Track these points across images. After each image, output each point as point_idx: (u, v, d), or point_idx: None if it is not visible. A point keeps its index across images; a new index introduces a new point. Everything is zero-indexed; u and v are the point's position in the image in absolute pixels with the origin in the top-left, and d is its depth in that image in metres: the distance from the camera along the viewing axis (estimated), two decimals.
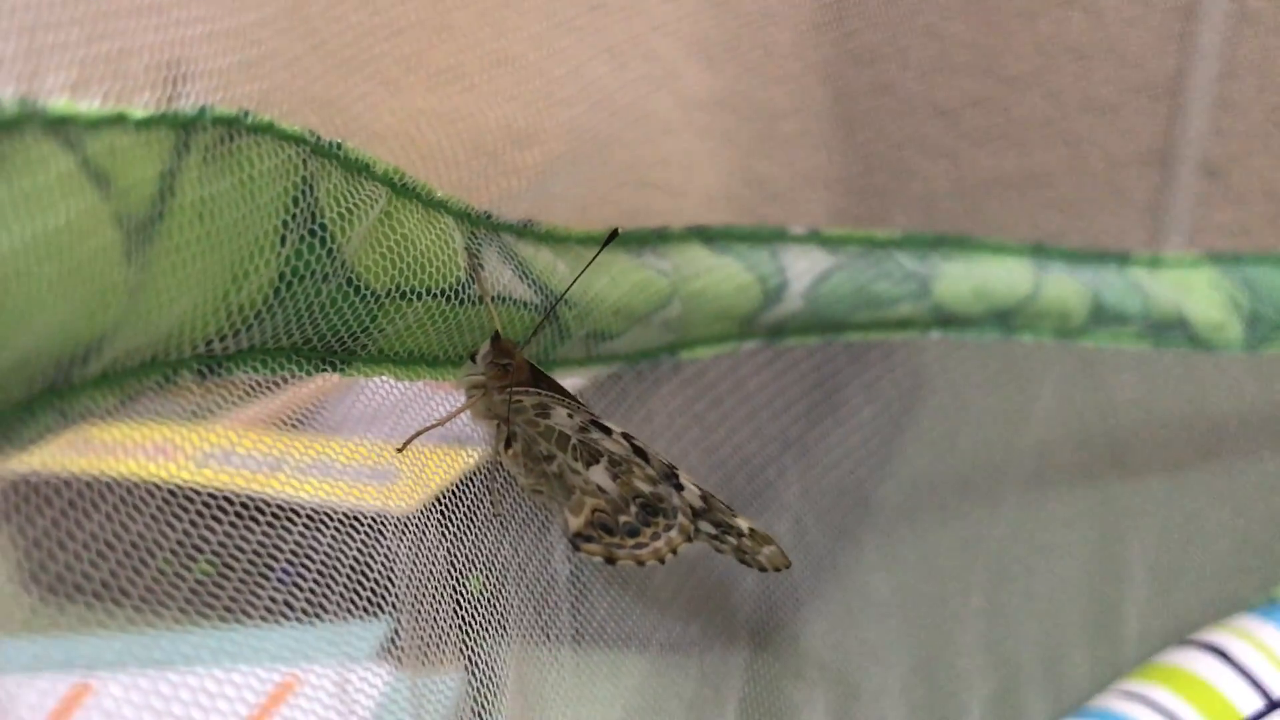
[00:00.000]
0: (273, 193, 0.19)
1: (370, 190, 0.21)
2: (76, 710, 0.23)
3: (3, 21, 0.14)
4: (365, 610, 0.22)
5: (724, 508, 0.26)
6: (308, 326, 0.21)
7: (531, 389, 0.25)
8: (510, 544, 0.26)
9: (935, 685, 0.37)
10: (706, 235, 0.33)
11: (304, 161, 0.20)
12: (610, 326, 0.29)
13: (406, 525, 0.24)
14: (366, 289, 0.22)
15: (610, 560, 0.26)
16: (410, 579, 0.23)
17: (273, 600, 0.21)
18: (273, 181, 0.19)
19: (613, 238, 0.27)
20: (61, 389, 0.16)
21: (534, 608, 0.27)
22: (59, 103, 0.15)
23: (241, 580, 0.21)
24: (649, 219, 0.31)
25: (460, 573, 0.24)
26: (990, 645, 0.37)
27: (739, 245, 0.33)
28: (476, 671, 0.25)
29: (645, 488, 0.25)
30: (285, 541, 0.21)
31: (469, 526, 0.25)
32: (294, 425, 0.26)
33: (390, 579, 0.23)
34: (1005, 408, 0.41)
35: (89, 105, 0.15)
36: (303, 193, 0.20)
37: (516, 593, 0.26)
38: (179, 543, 0.19)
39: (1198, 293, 0.38)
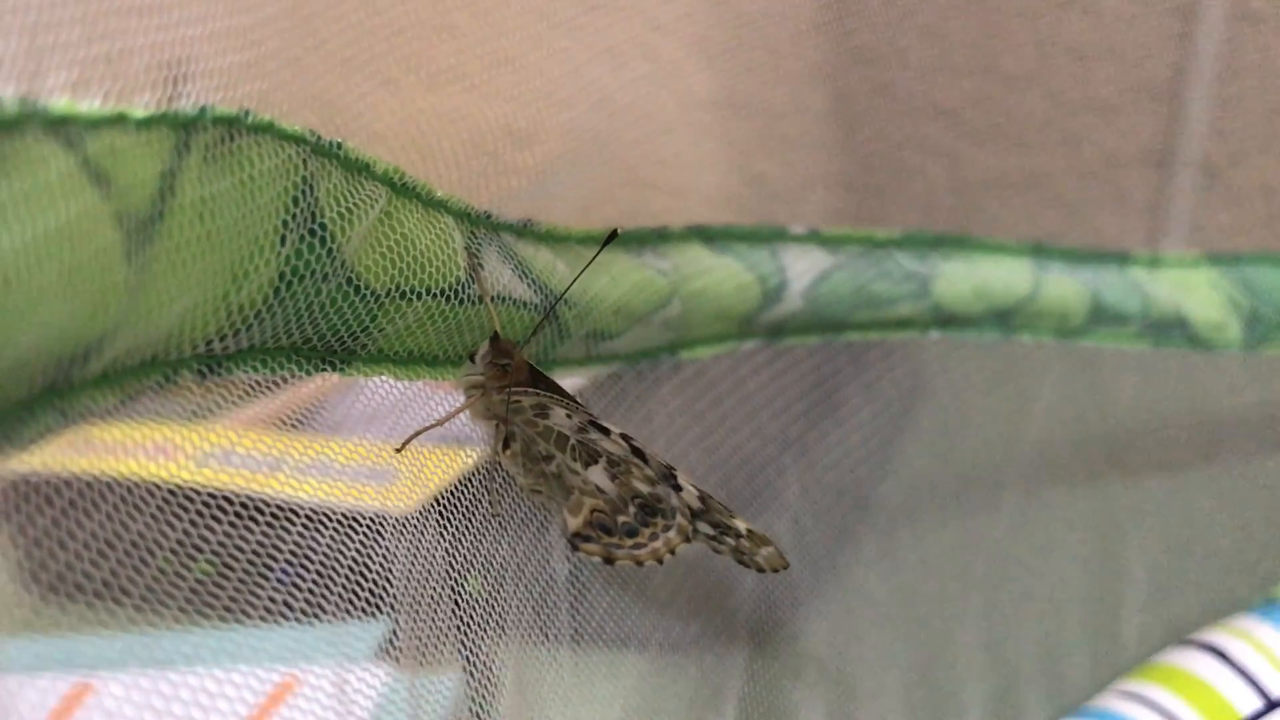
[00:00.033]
0: (273, 192, 0.19)
1: (370, 190, 0.21)
2: (77, 709, 0.23)
3: (3, 21, 0.14)
4: (364, 610, 0.22)
5: (722, 509, 0.26)
6: (307, 326, 0.21)
7: (530, 389, 0.25)
8: (509, 544, 0.26)
9: (934, 685, 0.37)
10: (706, 235, 0.33)
11: (304, 161, 0.20)
12: (610, 326, 0.29)
13: (405, 525, 0.24)
14: (366, 289, 0.22)
15: (609, 560, 0.26)
16: (409, 579, 0.23)
17: (272, 600, 0.21)
18: (273, 181, 0.19)
19: (612, 237, 0.27)
20: (61, 388, 0.16)
21: (533, 608, 0.27)
22: (59, 102, 0.15)
23: (241, 580, 0.21)
24: (649, 219, 0.31)
25: (459, 573, 0.24)
26: (989, 645, 0.37)
27: (739, 245, 0.33)
28: (475, 671, 0.25)
29: (644, 488, 0.25)
30: (284, 541, 0.21)
31: (468, 526, 0.25)
32: (293, 425, 0.26)
33: (389, 579, 0.23)
34: (1005, 407, 0.41)
35: (89, 105, 0.15)
36: (303, 192, 0.20)
37: (515, 593, 0.26)
38: (179, 542, 0.19)
39: (1197, 292, 0.38)
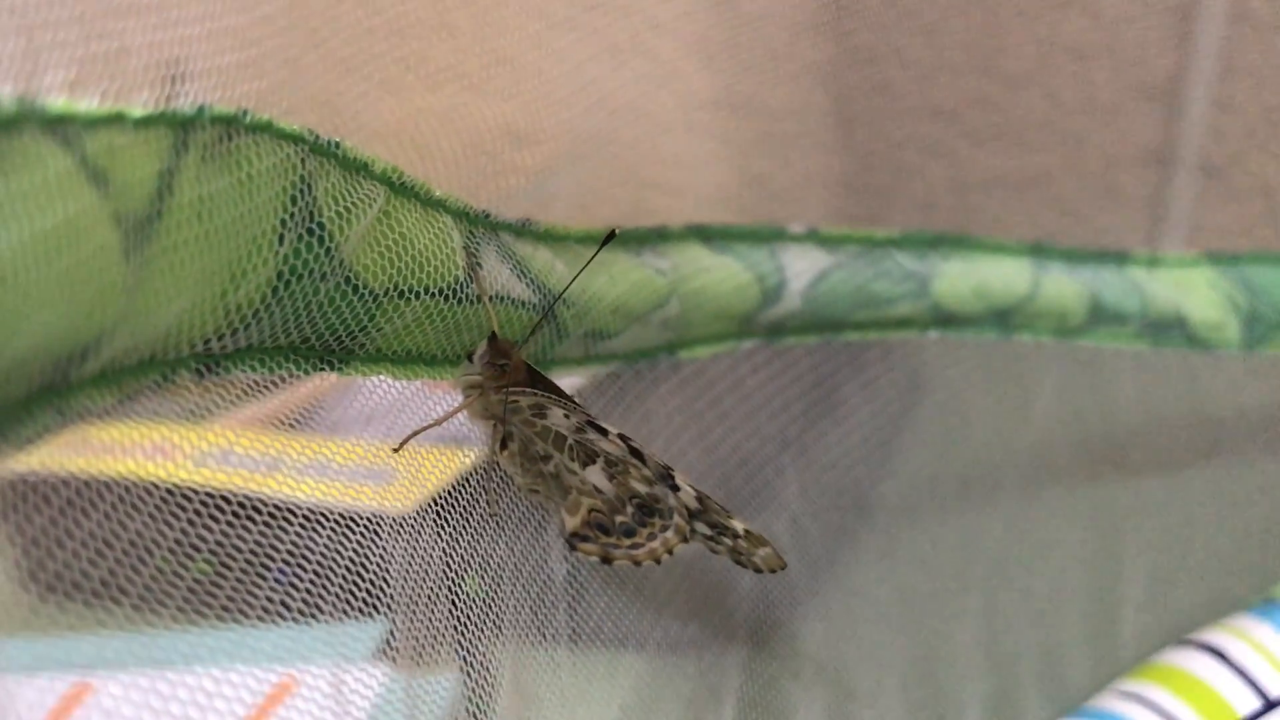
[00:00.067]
0: (271, 191, 0.19)
1: (368, 189, 0.21)
2: (76, 708, 0.23)
3: (1, 20, 0.14)
4: (361, 610, 0.22)
5: (719, 509, 0.26)
6: (305, 325, 0.21)
7: (528, 389, 0.25)
8: (506, 544, 0.26)
9: (933, 684, 0.37)
10: (705, 234, 0.33)
11: (302, 160, 0.20)
12: (608, 325, 0.29)
13: (403, 525, 0.24)
14: (364, 288, 0.22)
15: (606, 560, 0.26)
16: (406, 579, 0.23)
17: (269, 600, 0.21)
18: (271, 180, 0.19)
19: (611, 237, 0.27)
20: (59, 388, 0.16)
21: (530, 607, 0.27)
22: (57, 101, 0.15)
23: (239, 580, 0.21)
24: (647, 218, 0.31)
25: (456, 573, 0.24)
26: (988, 644, 0.37)
27: (738, 244, 0.33)
28: (472, 672, 0.25)
29: (641, 488, 0.25)
30: (282, 541, 0.21)
31: (465, 526, 0.25)
32: (292, 425, 0.26)
33: (386, 579, 0.23)
34: (1004, 407, 0.41)
35: (87, 104, 0.15)
36: (301, 191, 0.20)
37: (513, 593, 0.26)
38: (176, 542, 0.19)
39: (1196, 292, 0.38)
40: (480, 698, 0.25)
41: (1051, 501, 0.41)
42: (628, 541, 0.26)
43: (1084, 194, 0.42)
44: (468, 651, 0.25)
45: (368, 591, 0.22)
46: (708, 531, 0.26)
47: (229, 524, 0.20)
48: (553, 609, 0.28)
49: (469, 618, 0.25)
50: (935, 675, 0.37)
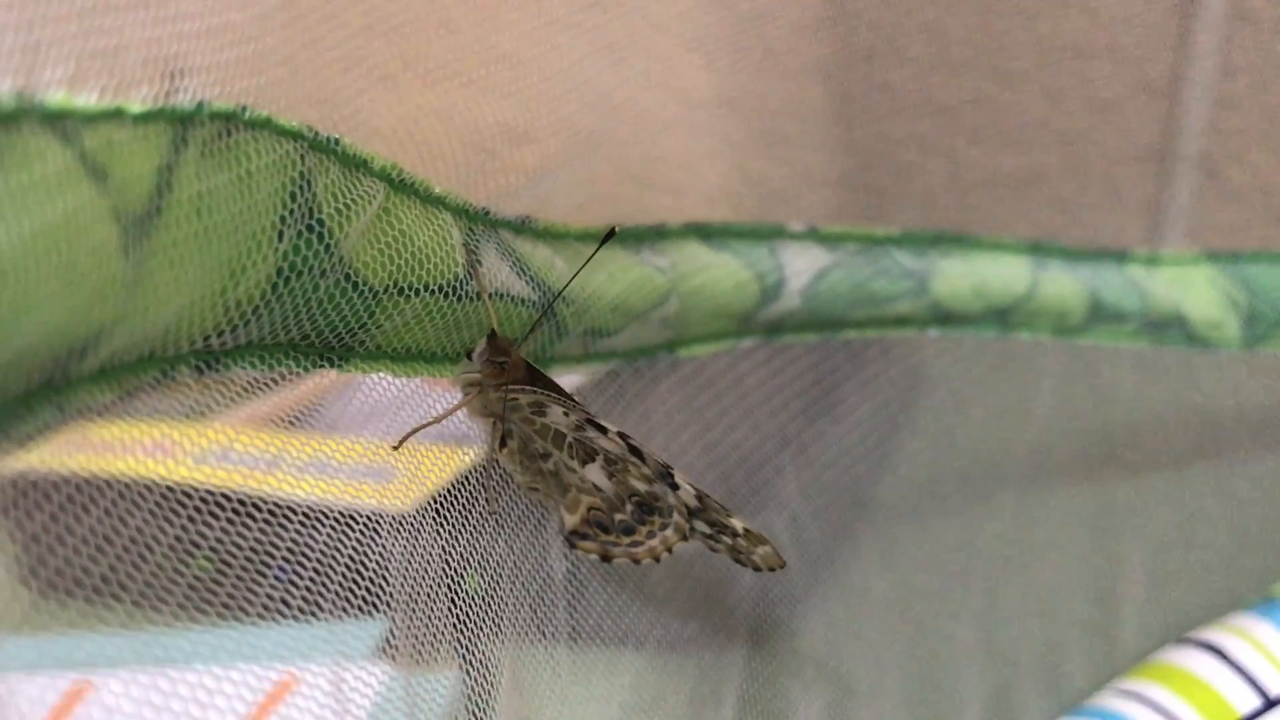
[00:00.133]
0: (270, 188, 0.19)
1: (368, 186, 0.21)
2: (77, 705, 0.23)
3: (0, 15, 0.14)
4: (361, 608, 0.22)
5: (719, 507, 0.25)
6: (305, 322, 0.21)
7: (527, 387, 0.25)
8: (506, 542, 0.26)
9: (933, 683, 0.37)
10: (704, 232, 0.33)
11: (301, 157, 0.20)
12: (608, 324, 0.29)
13: (402, 523, 0.24)
14: (364, 285, 0.22)
15: (606, 558, 0.26)
16: (406, 577, 0.23)
17: (269, 598, 0.21)
18: (270, 176, 0.19)
19: (611, 235, 0.27)
20: (59, 384, 0.16)
21: (530, 606, 0.27)
22: (56, 96, 0.15)
23: (238, 578, 0.21)
24: (647, 216, 0.31)
25: (456, 571, 0.24)
26: (988, 643, 0.37)
27: (737, 242, 0.33)
28: (472, 670, 0.25)
29: (641, 486, 0.25)
30: (282, 539, 0.21)
31: (465, 524, 0.25)
32: (291, 423, 0.26)
33: (386, 577, 0.23)
34: (1003, 405, 0.41)
35: (86, 99, 0.15)
36: (300, 188, 0.20)
37: (512, 591, 0.26)
38: (176, 539, 0.19)
39: (1195, 291, 0.38)
40: (480, 696, 0.25)
41: (1051, 499, 0.41)
42: (627, 539, 0.26)
43: (1083, 192, 0.42)
44: (467, 649, 0.24)
45: (367, 589, 0.22)
46: (707, 530, 0.26)
47: (229, 522, 0.20)
48: (552, 607, 0.28)
49: (468, 616, 0.25)
50: (935, 673, 0.37)
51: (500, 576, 0.26)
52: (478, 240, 0.25)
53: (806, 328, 0.35)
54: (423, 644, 0.24)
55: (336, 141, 0.21)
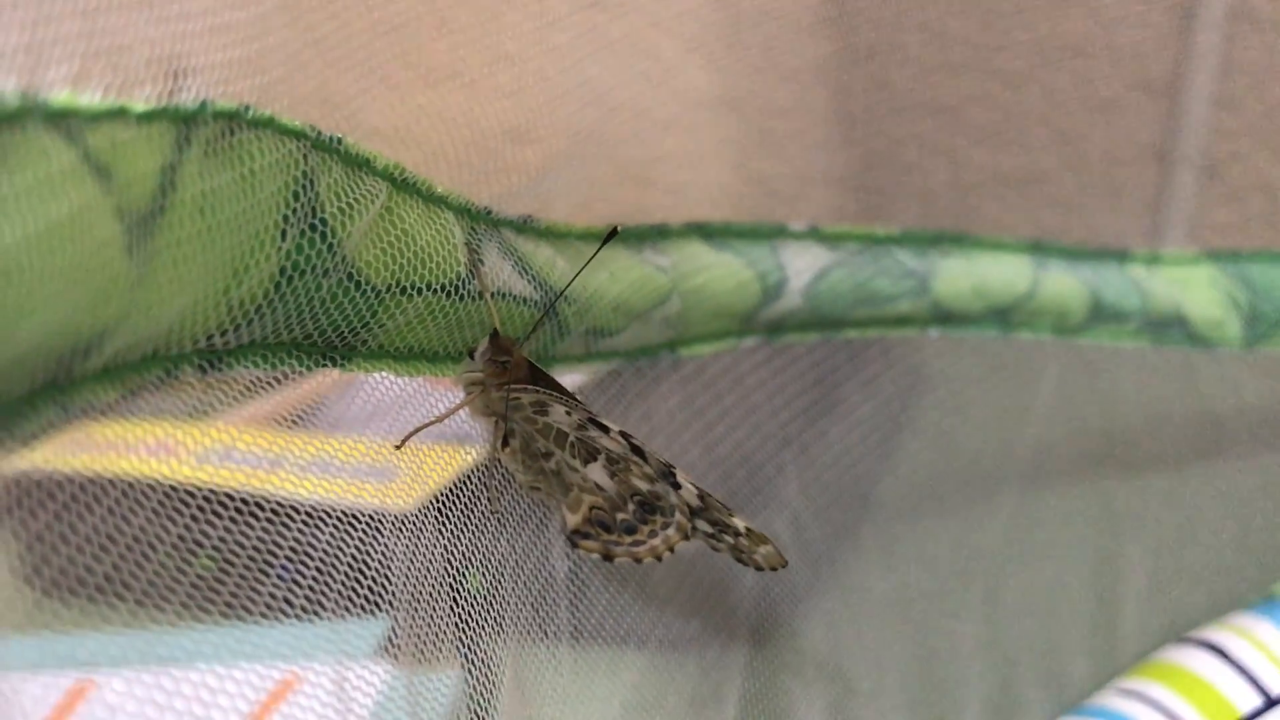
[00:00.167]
0: (273, 187, 0.19)
1: (371, 185, 0.21)
2: (80, 705, 0.23)
3: (4, 15, 0.14)
4: (363, 608, 0.22)
5: (720, 507, 0.25)
6: (308, 321, 0.21)
7: (529, 386, 0.25)
8: (508, 541, 0.26)
9: (933, 682, 0.37)
10: (706, 232, 0.33)
11: (304, 156, 0.20)
12: (609, 323, 0.29)
13: (404, 523, 0.24)
14: (367, 284, 0.22)
15: (608, 557, 0.26)
16: (408, 577, 0.23)
17: (272, 597, 0.21)
18: (273, 176, 0.19)
19: (612, 234, 0.27)
20: (62, 383, 0.16)
21: (532, 605, 0.27)
22: (60, 96, 0.15)
23: (241, 577, 0.21)
24: (648, 215, 0.31)
25: (458, 570, 0.24)
26: (988, 642, 0.37)
27: (738, 242, 0.33)
28: (474, 669, 0.25)
29: (643, 485, 0.25)
30: (284, 539, 0.21)
31: (467, 524, 0.25)
32: (293, 423, 0.26)
33: (388, 577, 0.23)
34: (1004, 405, 0.41)
35: (90, 98, 0.15)
36: (303, 187, 0.20)
37: (514, 590, 0.26)
38: (179, 539, 0.19)
39: (1196, 290, 0.38)
40: (482, 695, 0.25)
41: (1051, 499, 0.41)
42: (629, 539, 0.26)
43: (1084, 192, 0.42)
44: (469, 649, 0.25)
45: (370, 589, 0.22)
46: (709, 529, 0.26)
47: (231, 522, 0.20)
48: (554, 606, 0.28)
49: (471, 615, 0.25)
50: (936, 672, 0.37)
51: (502, 576, 0.26)
52: (480, 240, 0.25)
53: (808, 327, 0.35)
54: (425, 643, 0.24)
55: (339, 141, 0.21)
